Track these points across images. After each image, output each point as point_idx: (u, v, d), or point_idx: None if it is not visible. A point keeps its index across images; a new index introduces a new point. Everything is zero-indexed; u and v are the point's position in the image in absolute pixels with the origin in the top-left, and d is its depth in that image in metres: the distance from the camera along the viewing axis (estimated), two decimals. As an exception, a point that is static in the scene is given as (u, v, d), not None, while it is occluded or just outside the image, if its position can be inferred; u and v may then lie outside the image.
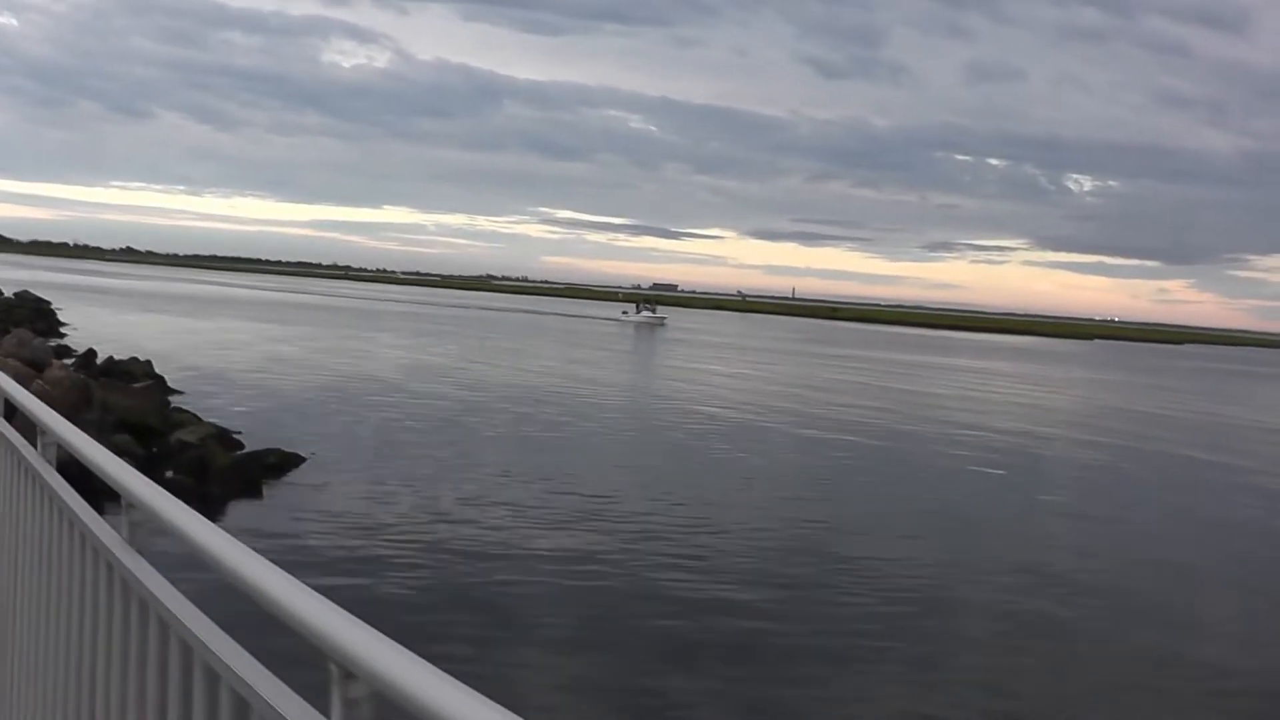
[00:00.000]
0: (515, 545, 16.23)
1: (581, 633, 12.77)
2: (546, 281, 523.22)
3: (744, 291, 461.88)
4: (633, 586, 14.49)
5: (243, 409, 27.56)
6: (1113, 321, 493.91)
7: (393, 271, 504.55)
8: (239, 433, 22.74)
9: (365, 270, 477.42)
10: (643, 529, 17.72)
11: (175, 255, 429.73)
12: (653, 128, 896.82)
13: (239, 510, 17.63)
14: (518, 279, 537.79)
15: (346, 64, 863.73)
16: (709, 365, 59.82)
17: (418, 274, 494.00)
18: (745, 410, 36.78)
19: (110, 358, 29.71)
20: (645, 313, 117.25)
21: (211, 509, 17.67)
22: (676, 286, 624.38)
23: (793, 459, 27.67)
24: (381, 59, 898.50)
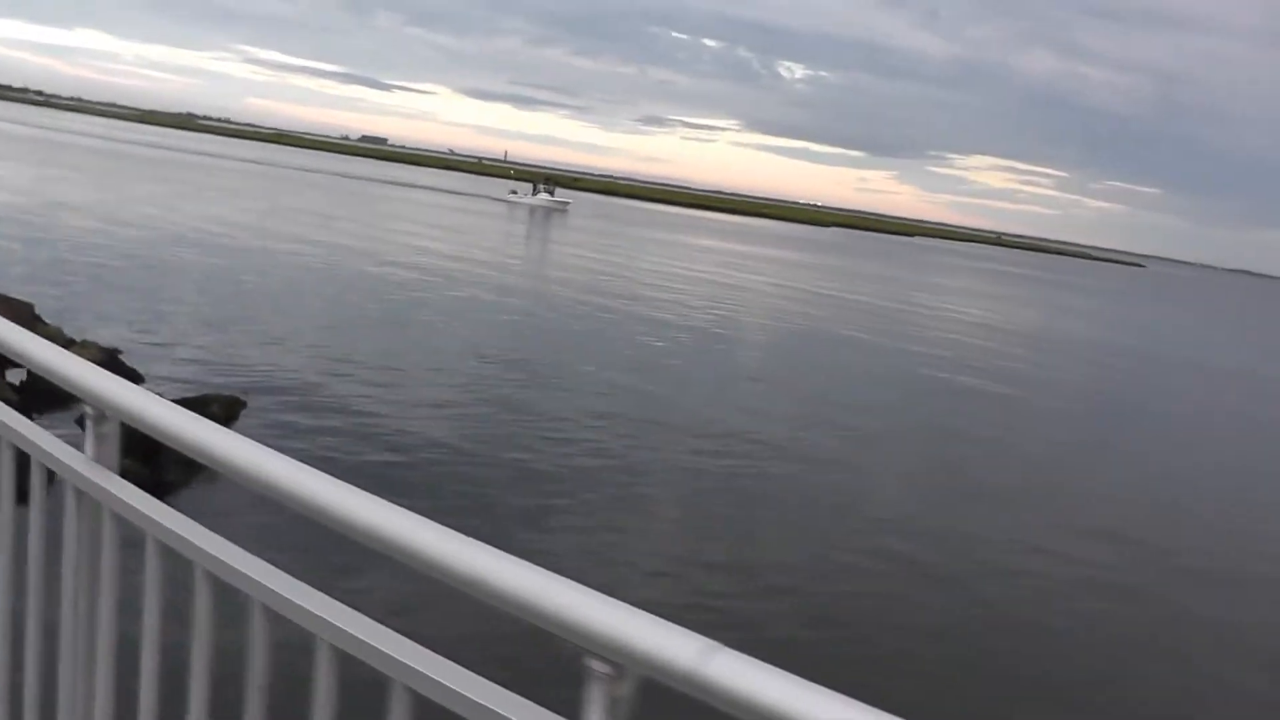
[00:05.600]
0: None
1: None
2: (251, 125, 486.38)
3: (454, 150, 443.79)
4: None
5: (99, 308, 20.86)
6: (815, 207, 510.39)
7: (90, 101, 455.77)
8: (120, 352, 16.56)
9: (59, 97, 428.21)
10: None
11: None
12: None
13: (203, 497, 11.89)
14: (220, 119, 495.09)
15: None
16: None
17: (114, 105, 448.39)
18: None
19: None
20: (543, 195, 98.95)
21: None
22: (386, 140, 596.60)
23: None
24: None
